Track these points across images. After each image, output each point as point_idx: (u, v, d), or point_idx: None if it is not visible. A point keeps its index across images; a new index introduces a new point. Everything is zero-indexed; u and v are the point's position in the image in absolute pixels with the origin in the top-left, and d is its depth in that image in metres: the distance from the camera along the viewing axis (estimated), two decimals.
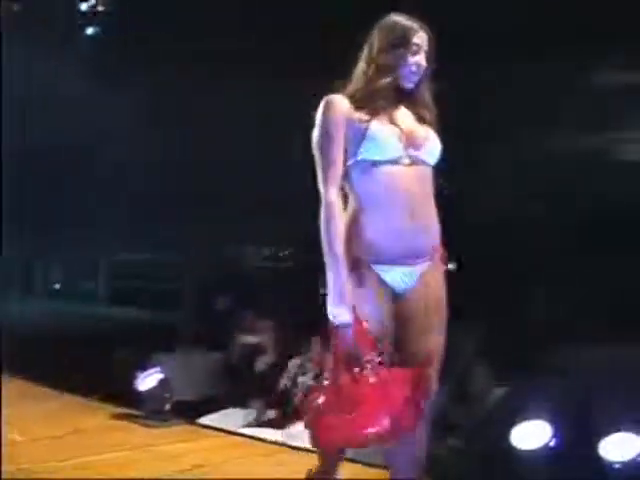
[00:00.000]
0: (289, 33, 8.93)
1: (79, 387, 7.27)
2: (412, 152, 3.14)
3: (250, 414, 7.39)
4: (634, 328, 6.10)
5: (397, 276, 3.12)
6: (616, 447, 5.10)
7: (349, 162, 3.11)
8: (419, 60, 3.20)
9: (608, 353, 6.17)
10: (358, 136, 3.09)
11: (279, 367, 7.53)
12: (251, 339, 8.22)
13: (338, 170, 3.10)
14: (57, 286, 13.67)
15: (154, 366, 6.79)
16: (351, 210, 3.15)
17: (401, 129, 3.16)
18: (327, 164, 3.10)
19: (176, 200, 10.67)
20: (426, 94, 3.28)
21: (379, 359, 2.99)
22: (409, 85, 3.23)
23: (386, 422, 2.94)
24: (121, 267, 11.24)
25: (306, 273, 11.61)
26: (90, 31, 10.90)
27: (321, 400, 3.03)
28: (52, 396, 7.13)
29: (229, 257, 11.54)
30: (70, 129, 10.17)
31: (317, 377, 7.11)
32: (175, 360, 8.26)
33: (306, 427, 3.10)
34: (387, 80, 3.18)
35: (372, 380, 2.95)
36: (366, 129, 3.08)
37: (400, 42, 3.19)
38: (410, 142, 3.15)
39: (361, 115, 3.11)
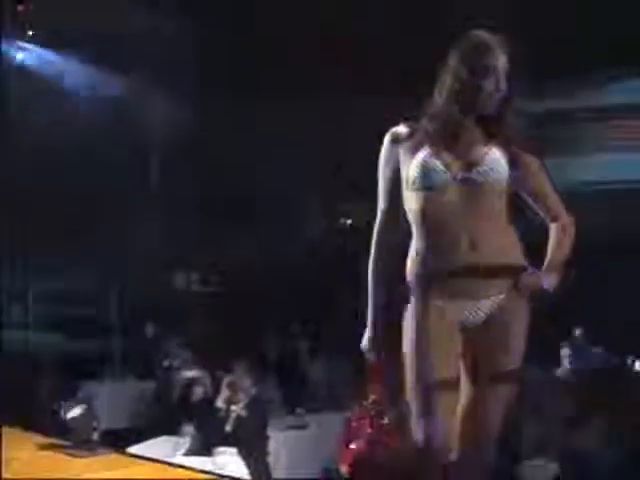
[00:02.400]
0: None
1: (5, 416, 7.16)
2: (463, 174, 2.92)
3: (179, 443, 7.37)
4: None
5: (461, 310, 2.93)
6: (534, 472, 5.21)
7: (404, 194, 3.03)
8: (491, 83, 2.91)
9: None
10: (407, 167, 3.00)
11: (214, 397, 7.55)
12: (189, 373, 8.21)
13: (385, 204, 3.10)
14: None
15: (80, 394, 6.74)
16: (412, 242, 3.04)
17: (454, 152, 2.94)
18: (379, 199, 3.14)
19: (105, 226, 10.64)
20: (504, 110, 2.98)
21: (372, 407, 3.05)
22: (484, 112, 2.96)
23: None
24: (48, 294, 11.09)
25: (235, 298, 11.63)
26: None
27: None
28: None
29: (158, 283, 11.50)
30: None
31: (248, 406, 7.15)
32: (103, 389, 8.21)
33: None
34: (454, 110, 2.94)
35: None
36: (412, 159, 2.98)
37: (471, 65, 2.92)
38: (462, 164, 2.93)
39: (416, 145, 2.99)
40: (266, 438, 7.02)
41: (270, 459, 6.87)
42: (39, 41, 10.16)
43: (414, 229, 3.02)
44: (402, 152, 3.04)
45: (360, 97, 10.61)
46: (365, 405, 3.16)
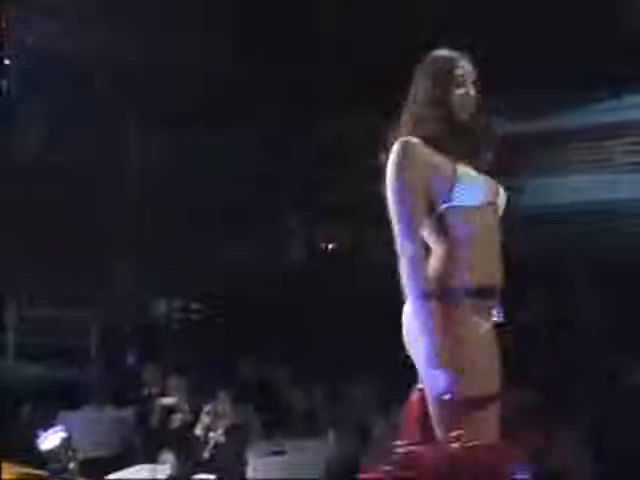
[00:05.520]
0: None
1: None
2: (494, 198, 3.07)
3: (158, 470, 7.35)
4: None
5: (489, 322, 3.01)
6: None
7: (440, 209, 2.96)
8: (466, 91, 3.07)
9: None
10: (448, 180, 2.94)
11: (193, 424, 7.55)
12: (167, 400, 8.18)
13: (419, 221, 2.96)
14: None
15: (58, 424, 6.70)
16: (445, 257, 2.98)
17: (479, 174, 3.06)
18: (408, 215, 2.94)
19: (83, 254, 10.62)
20: (486, 138, 3.14)
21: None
22: (462, 117, 3.06)
23: None
24: (26, 322, 11.03)
25: (215, 325, 11.58)
26: None
27: None
28: None
29: (137, 310, 11.48)
30: None
31: (227, 433, 7.15)
32: (81, 417, 8.16)
33: None
34: (443, 114, 3.03)
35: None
36: (454, 173, 2.95)
37: (444, 75, 3.06)
38: (491, 190, 3.07)
39: (443, 158, 2.98)
40: (244, 465, 7.02)
41: None
42: None
43: (455, 248, 2.98)
44: (430, 166, 2.96)
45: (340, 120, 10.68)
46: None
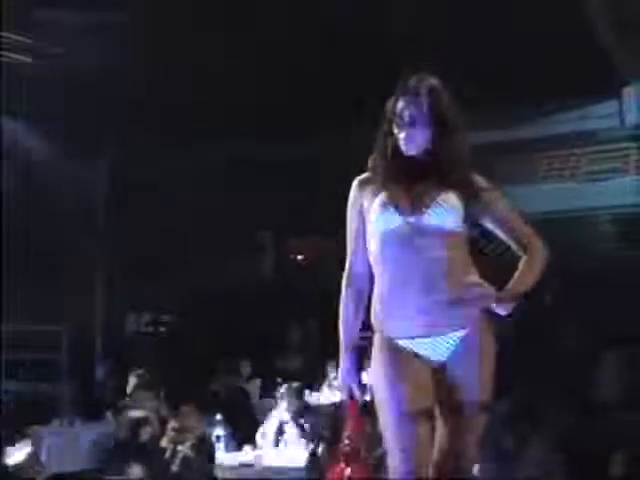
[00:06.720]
0: None
1: None
2: (414, 219, 3.02)
3: None
4: None
5: (423, 348, 3.03)
6: None
7: (367, 236, 3.16)
8: (403, 128, 3.05)
9: None
10: (368, 211, 3.13)
11: (161, 437, 7.54)
12: (136, 413, 8.16)
13: (352, 248, 3.21)
14: None
15: (25, 439, 6.68)
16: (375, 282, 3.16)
17: (408, 195, 3.05)
18: (347, 242, 3.24)
19: (53, 267, 10.61)
20: (449, 153, 3.07)
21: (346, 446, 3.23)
22: (407, 152, 3.08)
23: None
24: None
25: (184, 336, 11.54)
26: None
27: None
28: None
29: (107, 324, 11.46)
30: None
31: (195, 447, 7.15)
32: (50, 432, 8.13)
33: None
34: (386, 152, 3.11)
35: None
36: (372, 203, 3.10)
37: (389, 111, 3.12)
38: (415, 207, 3.03)
39: (376, 189, 3.11)
40: (213, 478, 7.04)
41: None
42: None
43: (374, 270, 3.13)
44: (366, 197, 3.14)
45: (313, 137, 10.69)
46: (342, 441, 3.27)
